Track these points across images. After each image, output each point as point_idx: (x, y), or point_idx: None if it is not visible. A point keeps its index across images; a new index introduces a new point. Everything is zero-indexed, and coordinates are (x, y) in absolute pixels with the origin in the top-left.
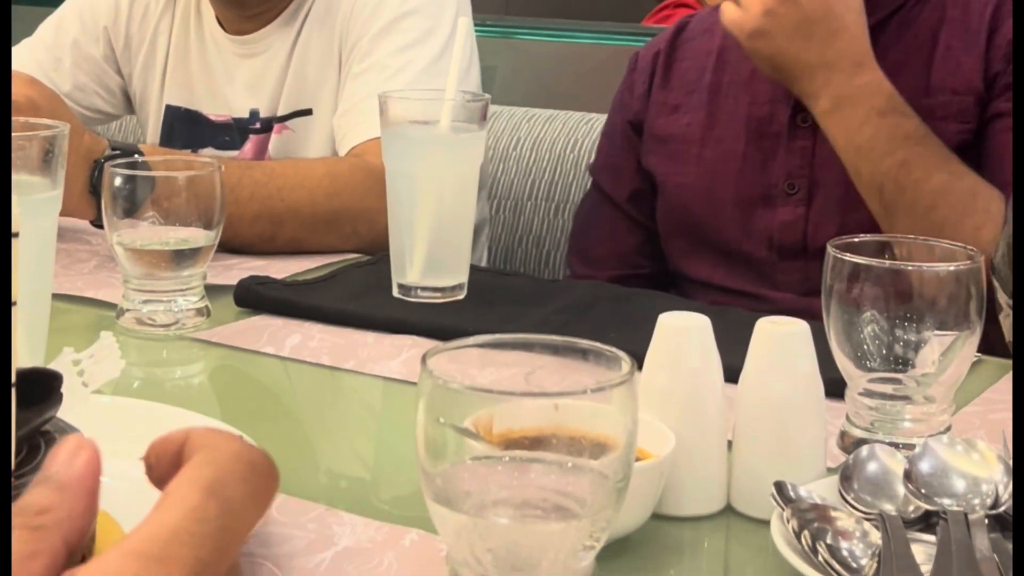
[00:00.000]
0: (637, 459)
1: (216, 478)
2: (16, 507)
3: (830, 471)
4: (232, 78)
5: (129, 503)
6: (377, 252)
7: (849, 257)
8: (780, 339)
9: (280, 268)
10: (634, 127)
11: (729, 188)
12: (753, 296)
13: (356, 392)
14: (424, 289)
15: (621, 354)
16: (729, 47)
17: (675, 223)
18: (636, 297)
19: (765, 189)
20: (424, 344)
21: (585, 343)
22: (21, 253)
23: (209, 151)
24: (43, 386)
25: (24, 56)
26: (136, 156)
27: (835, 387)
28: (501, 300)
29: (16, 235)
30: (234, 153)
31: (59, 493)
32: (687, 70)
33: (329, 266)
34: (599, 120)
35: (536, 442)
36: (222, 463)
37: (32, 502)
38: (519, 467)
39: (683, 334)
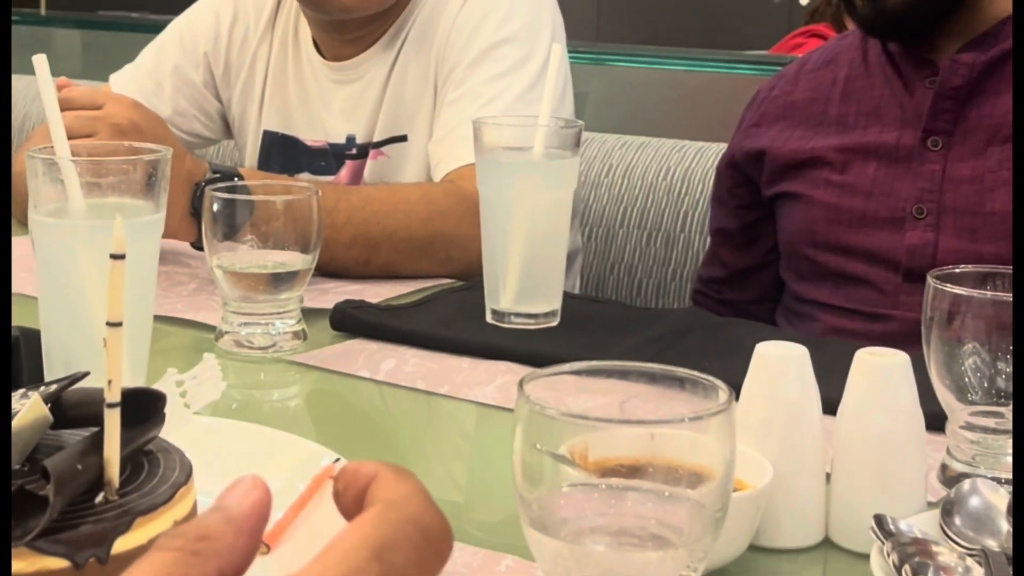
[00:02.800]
0: (734, 489)
1: (387, 543)
2: (182, 529)
3: (931, 505)
4: (329, 104)
5: None
6: (471, 278)
7: (950, 288)
8: (880, 371)
9: (375, 292)
10: (753, 158)
11: (857, 211)
12: (872, 316)
13: (450, 417)
14: (517, 315)
15: (719, 383)
16: (856, 76)
17: (799, 245)
18: (731, 326)
19: (893, 213)
20: (518, 370)
21: (682, 371)
22: (125, 274)
23: (305, 176)
24: (147, 406)
25: (126, 81)
26: (236, 180)
27: (936, 420)
28: (594, 327)
29: (122, 257)
30: (330, 178)
31: (225, 524)
32: (812, 100)
33: (423, 291)
34: (692, 147)
35: (632, 470)
36: (397, 525)
37: (197, 527)
38: (616, 495)
39: (781, 364)
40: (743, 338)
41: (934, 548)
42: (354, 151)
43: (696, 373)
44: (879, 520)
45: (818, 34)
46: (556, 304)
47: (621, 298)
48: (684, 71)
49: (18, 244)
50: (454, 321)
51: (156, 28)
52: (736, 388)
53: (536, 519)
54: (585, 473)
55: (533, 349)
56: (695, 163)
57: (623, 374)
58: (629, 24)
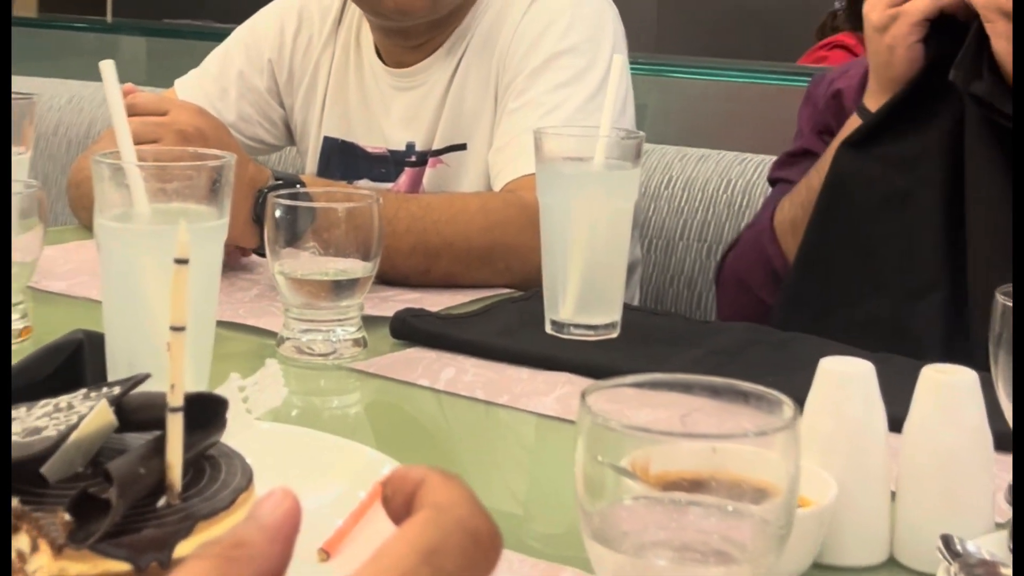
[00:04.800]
0: (798, 506)
1: (436, 546)
2: (218, 537)
3: (999, 526)
4: (389, 111)
5: None
6: (530, 288)
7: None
8: (947, 389)
9: (435, 301)
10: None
11: None
12: None
13: (510, 427)
14: (577, 326)
15: (784, 398)
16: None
17: None
18: (794, 341)
19: None
20: (577, 381)
21: (747, 386)
22: (188, 280)
23: (365, 183)
24: (209, 411)
25: (191, 86)
26: (298, 186)
27: (1004, 439)
28: (654, 340)
29: (186, 262)
30: (389, 185)
31: (259, 532)
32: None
33: (483, 300)
34: (753, 160)
35: (694, 484)
36: (446, 529)
37: (233, 535)
38: (678, 509)
39: (846, 380)
40: (807, 353)
41: (1003, 570)
42: (413, 158)
43: (761, 387)
44: (946, 540)
45: (840, 44)
46: (616, 316)
47: (681, 311)
48: (745, 83)
49: (83, 248)
50: (514, 331)
51: (219, 36)
52: (799, 404)
53: (598, 532)
54: (647, 486)
55: (593, 361)
56: (756, 176)
57: (686, 387)
58: (689, 35)
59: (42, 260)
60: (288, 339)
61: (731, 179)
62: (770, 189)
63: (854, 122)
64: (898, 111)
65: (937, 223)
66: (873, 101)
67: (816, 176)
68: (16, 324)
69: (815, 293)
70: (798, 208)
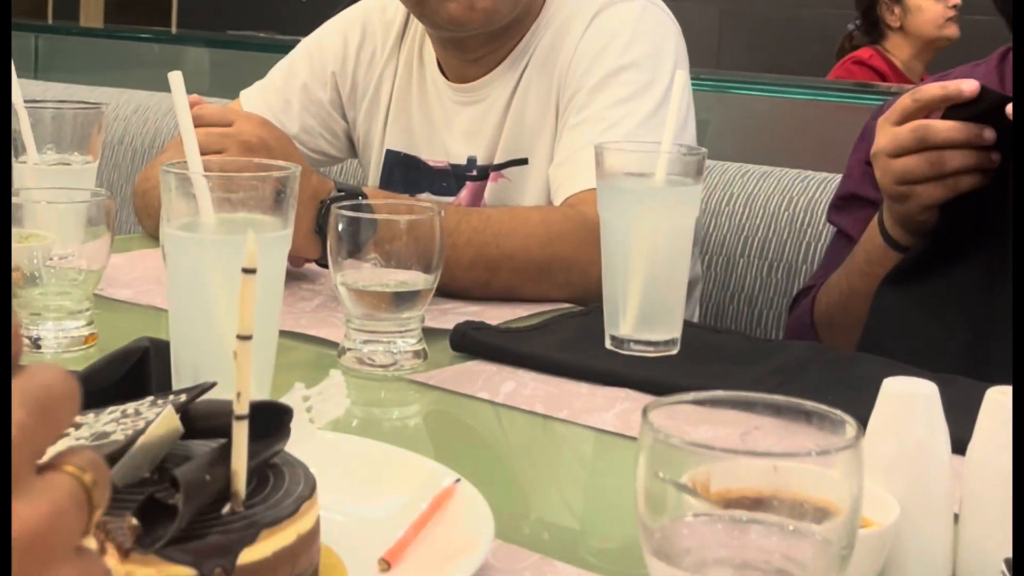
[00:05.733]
0: (860, 526)
1: None
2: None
3: None
4: (451, 125)
5: (350, 538)
6: (590, 303)
7: None
8: (1011, 410)
9: (495, 314)
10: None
11: None
12: None
13: (569, 442)
14: (637, 342)
15: (847, 417)
16: None
17: None
18: (856, 361)
19: None
20: (637, 397)
21: (809, 404)
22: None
23: (426, 196)
24: (274, 420)
25: (256, 97)
26: (360, 198)
27: None
28: (714, 357)
29: (253, 271)
30: (451, 199)
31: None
32: None
33: (543, 314)
34: (815, 178)
35: (756, 503)
36: None
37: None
38: (739, 527)
39: (909, 401)
40: (868, 373)
41: None
42: (475, 173)
43: (823, 407)
44: (1009, 563)
45: (858, 61)
46: (676, 332)
47: (741, 328)
48: (807, 100)
49: (148, 256)
50: (573, 346)
51: (282, 48)
52: (862, 424)
53: (659, 548)
54: (708, 503)
55: (652, 377)
56: (818, 193)
57: (747, 405)
58: (751, 52)
59: (108, 268)
60: (349, 350)
61: (793, 197)
62: (831, 230)
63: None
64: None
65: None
66: (891, 223)
67: (846, 281)
68: (82, 331)
69: None
70: (834, 308)
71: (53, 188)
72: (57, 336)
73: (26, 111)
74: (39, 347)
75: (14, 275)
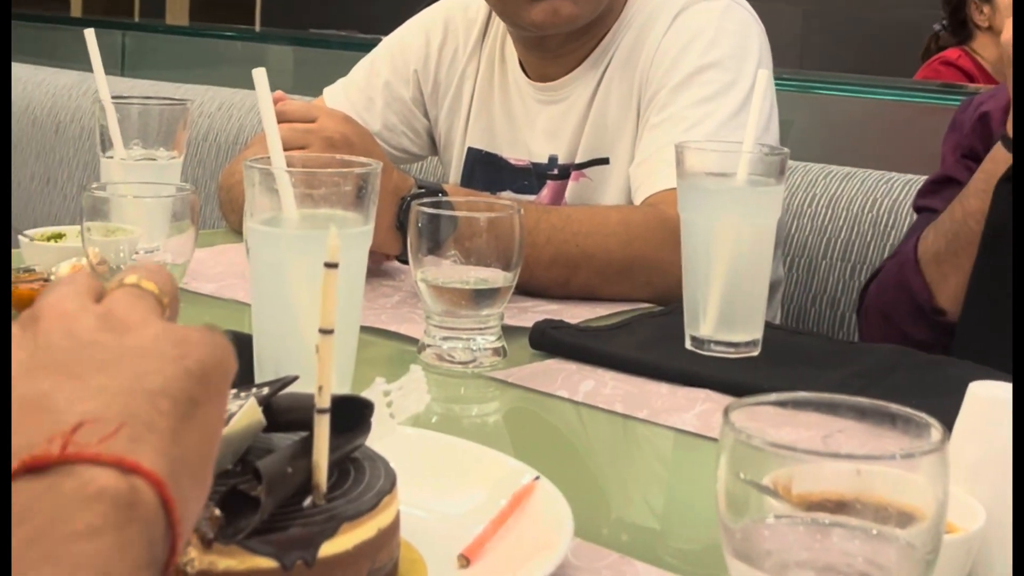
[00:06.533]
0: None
1: None
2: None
3: None
4: (533, 124)
5: (429, 533)
6: (670, 303)
7: None
8: None
9: (574, 313)
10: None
11: None
12: None
13: (648, 442)
14: (718, 343)
15: (932, 421)
16: None
17: None
18: (942, 364)
19: None
20: (717, 399)
21: (894, 407)
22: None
23: (508, 195)
24: (355, 414)
25: (339, 95)
26: (440, 195)
27: None
28: (796, 359)
29: (335, 266)
30: (532, 198)
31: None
32: None
33: (622, 314)
34: (899, 179)
35: (838, 506)
36: None
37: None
38: (822, 530)
39: (997, 406)
40: (954, 378)
41: None
42: (556, 171)
43: (908, 410)
44: None
45: (946, 61)
46: (757, 334)
47: (823, 331)
48: (892, 101)
49: (231, 251)
50: (653, 345)
51: (364, 46)
52: (947, 428)
53: (740, 549)
54: (790, 506)
55: (733, 378)
56: (902, 195)
57: (831, 407)
58: (834, 51)
59: (193, 263)
60: (429, 346)
61: (876, 198)
62: (915, 215)
63: (999, 151)
64: None
65: None
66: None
67: (959, 207)
68: None
69: (983, 335)
70: (942, 239)
71: (139, 183)
72: None
73: (113, 107)
74: None
75: (100, 268)
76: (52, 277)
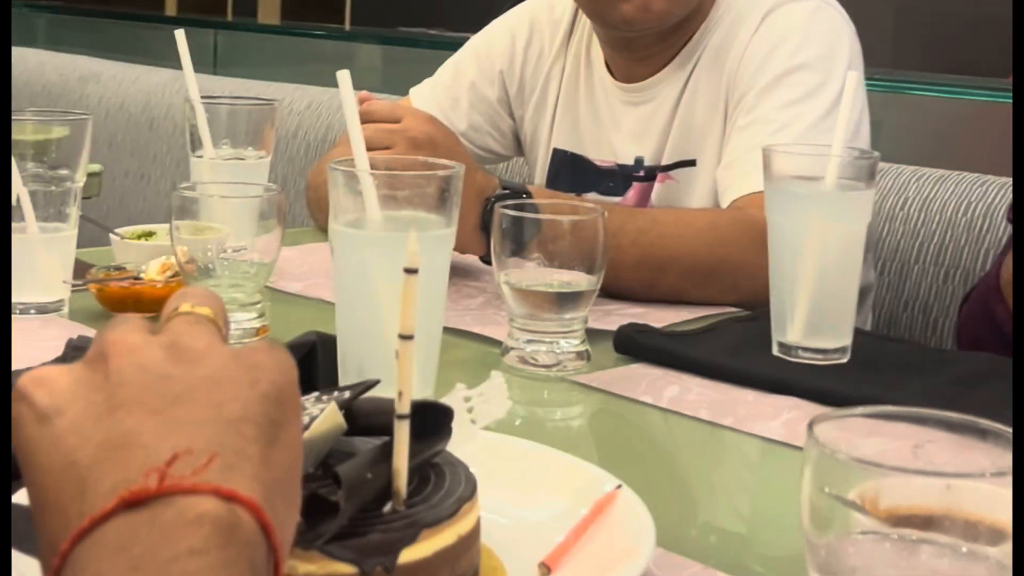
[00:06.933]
0: None
1: None
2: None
3: None
4: (619, 125)
5: (510, 540)
6: (757, 307)
7: None
8: None
9: (659, 317)
10: None
11: None
12: None
13: (734, 450)
14: (805, 350)
15: None
16: None
17: None
18: None
19: None
20: (804, 406)
21: (984, 423)
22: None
23: (593, 196)
24: (435, 419)
25: (425, 95)
26: (524, 196)
27: None
28: (886, 366)
29: (415, 271)
30: (617, 199)
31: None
32: None
33: (708, 318)
34: (994, 182)
35: (926, 522)
36: None
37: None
38: (908, 547)
39: None
40: None
41: None
42: (642, 173)
43: (999, 426)
44: None
45: None
46: (846, 340)
47: (915, 337)
48: (987, 102)
49: (318, 250)
50: (739, 351)
51: (452, 45)
52: None
53: (824, 565)
54: (877, 521)
55: (821, 386)
56: (997, 199)
57: (919, 420)
58: (929, 51)
59: (280, 261)
60: (512, 349)
61: (971, 201)
62: (1008, 225)
63: None
64: None
65: None
66: None
67: None
68: (253, 323)
69: None
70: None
71: (228, 183)
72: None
73: (202, 107)
74: None
75: (188, 267)
76: (142, 275)
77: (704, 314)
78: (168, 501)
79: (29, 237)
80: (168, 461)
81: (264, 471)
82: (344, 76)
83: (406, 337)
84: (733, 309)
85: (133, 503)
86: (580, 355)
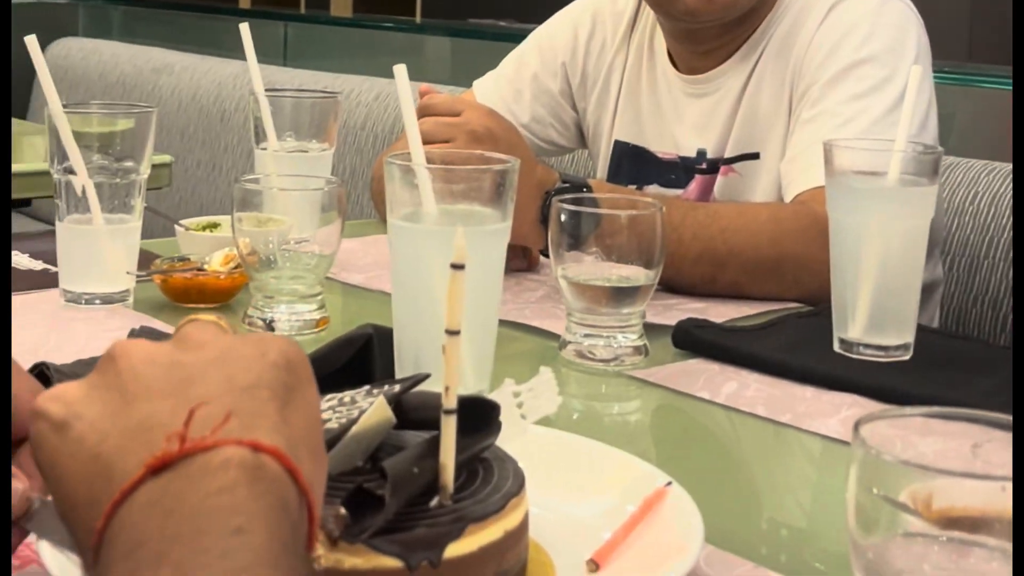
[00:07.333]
0: None
1: None
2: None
3: None
4: (681, 117)
5: (558, 535)
6: (819, 303)
7: None
8: None
9: (719, 312)
10: None
11: None
12: None
13: (791, 447)
14: (867, 346)
15: None
16: None
17: None
18: None
19: None
20: (864, 404)
21: None
22: (470, 282)
23: (654, 188)
24: (483, 415)
25: (488, 87)
26: (584, 190)
27: None
28: (949, 364)
29: (462, 267)
30: (679, 192)
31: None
32: None
33: (768, 313)
34: None
35: (978, 524)
36: None
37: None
38: (957, 549)
39: None
40: None
41: None
42: (705, 166)
43: None
44: None
45: None
46: (909, 337)
47: (983, 334)
48: None
49: (380, 242)
50: (799, 347)
51: (521, 37)
52: None
53: (870, 566)
54: (926, 523)
55: (881, 383)
56: None
57: (973, 420)
58: (1005, 43)
59: (343, 253)
60: (570, 343)
61: None
62: None
63: None
64: None
65: None
66: None
67: None
68: (313, 315)
69: None
70: None
71: (291, 175)
72: (290, 319)
73: (266, 99)
74: (272, 329)
75: (250, 259)
76: (205, 267)
77: (765, 309)
78: (194, 459)
79: (95, 228)
80: (186, 422)
81: (283, 427)
82: (400, 71)
83: (452, 333)
84: (794, 305)
85: (159, 468)
86: (638, 350)
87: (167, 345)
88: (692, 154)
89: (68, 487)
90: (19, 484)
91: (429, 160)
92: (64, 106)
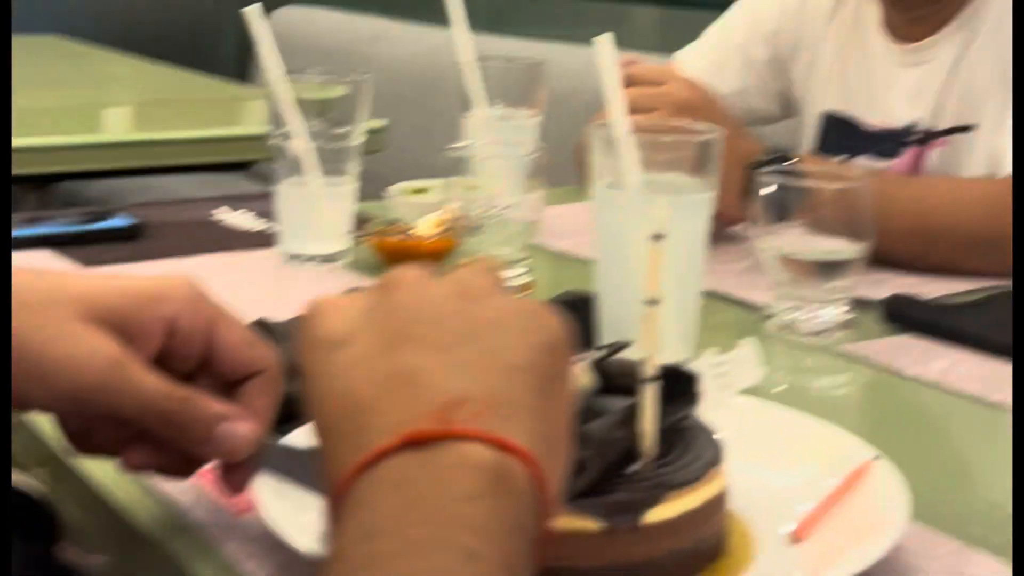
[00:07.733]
0: None
1: None
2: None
3: None
4: (893, 87)
5: (758, 507)
6: None
7: None
8: None
9: (931, 288)
10: None
11: None
12: None
13: (1003, 429)
14: None
15: None
16: None
17: None
18: None
19: None
20: None
21: None
22: (672, 252)
23: (864, 160)
24: (684, 384)
25: (691, 58)
26: (789, 162)
27: None
28: None
29: (662, 237)
30: (890, 164)
31: None
32: None
33: (982, 291)
34: None
35: None
36: None
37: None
38: None
39: None
40: None
41: None
42: (916, 138)
43: None
44: None
45: None
46: None
47: None
48: None
49: (586, 209)
50: (1012, 326)
51: (727, 5)
52: None
53: None
54: None
55: None
56: None
57: None
58: None
59: (550, 219)
60: (775, 316)
61: None
62: None
63: None
64: None
65: None
66: None
67: None
68: (519, 280)
69: None
70: None
71: (497, 143)
72: None
73: (474, 67)
74: None
75: (459, 223)
76: (415, 230)
77: (978, 286)
78: (447, 445)
79: (311, 190)
80: (449, 406)
81: (538, 424)
82: (602, 42)
83: (651, 302)
84: (1009, 282)
85: (414, 443)
86: (846, 324)
87: (445, 286)
88: (903, 125)
89: (321, 408)
90: (245, 426)
91: (634, 130)
92: (285, 74)
